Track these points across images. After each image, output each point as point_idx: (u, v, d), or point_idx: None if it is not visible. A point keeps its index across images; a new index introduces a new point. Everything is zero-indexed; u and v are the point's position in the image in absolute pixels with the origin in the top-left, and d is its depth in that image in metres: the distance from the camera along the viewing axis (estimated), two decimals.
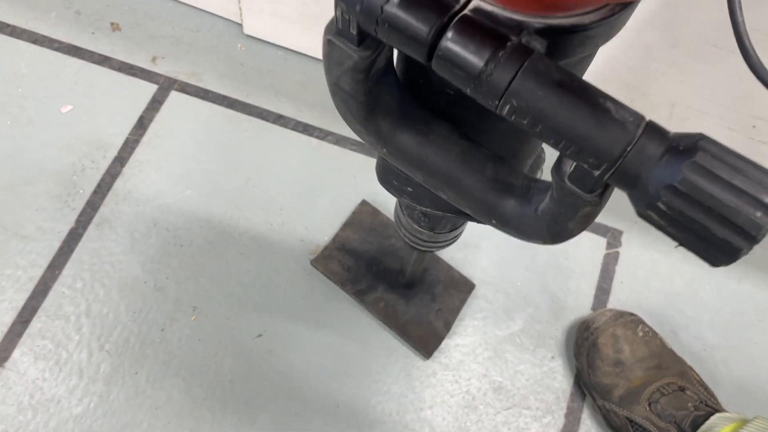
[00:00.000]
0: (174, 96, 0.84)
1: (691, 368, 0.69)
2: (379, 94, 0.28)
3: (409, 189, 0.37)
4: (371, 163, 0.80)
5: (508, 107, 0.21)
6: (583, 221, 0.26)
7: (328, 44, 0.26)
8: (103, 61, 0.85)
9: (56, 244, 0.74)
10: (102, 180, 0.78)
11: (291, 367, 0.71)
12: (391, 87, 0.28)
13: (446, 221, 0.45)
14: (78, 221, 0.76)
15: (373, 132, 0.29)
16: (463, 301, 0.75)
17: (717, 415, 0.62)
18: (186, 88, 0.84)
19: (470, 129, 0.30)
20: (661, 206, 0.20)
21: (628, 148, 0.20)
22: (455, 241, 0.51)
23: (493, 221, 0.30)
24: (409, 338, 0.72)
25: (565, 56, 0.24)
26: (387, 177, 0.38)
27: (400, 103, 0.29)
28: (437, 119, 0.29)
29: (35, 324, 0.71)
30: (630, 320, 0.70)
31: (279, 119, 0.84)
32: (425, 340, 0.72)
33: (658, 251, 0.80)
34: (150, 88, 0.84)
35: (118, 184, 0.78)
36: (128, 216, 0.77)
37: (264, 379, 0.71)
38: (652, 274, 0.79)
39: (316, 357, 0.72)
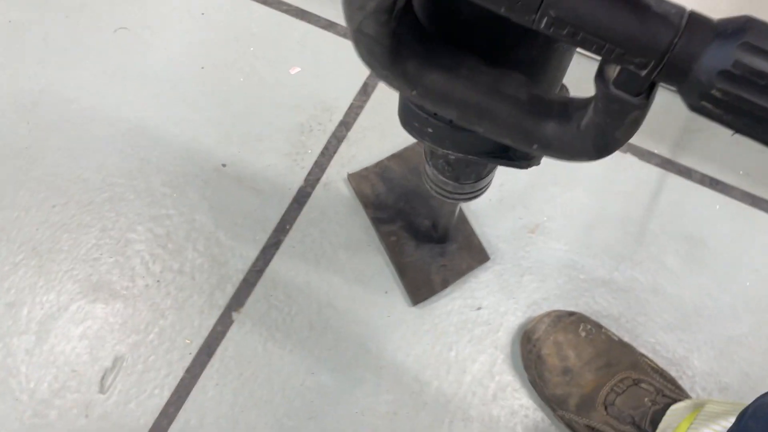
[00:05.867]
0: None
1: (642, 355, 0.66)
2: (402, 35, 0.27)
3: (430, 130, 0.36)
4: None
5: (545, 20, 0.21)
6: (631, 128, 0.25)
7: None
8: (329, 26, 0.86)
9: (287, 201, 0.77)
10: (329, 142, 0.80)
11: (511, 332, 0.71)
12: (413, 25, 0.28)
13: (470, 170, 0.44)
14: (306, 180, 0.78)
15: (400, 75, 0.29)
16: (470, 267, 0.73)
17: (672, 408, 0.58)
18: None
19: (496, 57, 0.29)
20: (716, 94, 0.20)
21: (675, 40, 0.20)
22: (482, 193, 0.49)
23: (534, 146, 0.29)
24: (403, 279, 0.72)
25: None
26: (407, 119, 0.38)
27: (423, 41, 0.28)
28: (463, 52, 0.29)
29: (268, 274, 0.73)
30: (569, 322, 0.66)
31: None
32: (417, 288, 0.71)
33: None
34: None
35: (343, 148, 0.80)
36: None
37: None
38: None
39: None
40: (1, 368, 0.68)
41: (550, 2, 0.20)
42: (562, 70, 0.32)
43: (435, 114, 0.35)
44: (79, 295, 0.71)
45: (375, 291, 0.73)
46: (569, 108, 0.27)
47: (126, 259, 0.73)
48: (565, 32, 0.21)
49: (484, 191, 0.49)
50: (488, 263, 0.74)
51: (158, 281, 0.72)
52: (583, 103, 0.27)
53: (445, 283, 0.72)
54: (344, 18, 0.26)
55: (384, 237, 0.74)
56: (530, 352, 0.66)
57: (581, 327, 0.65)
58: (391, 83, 0.29)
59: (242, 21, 0.86)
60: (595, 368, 0.63)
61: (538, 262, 0.75)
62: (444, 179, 0.46)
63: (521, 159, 0.37)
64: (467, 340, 0.71)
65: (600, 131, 0.26)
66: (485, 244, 0.75)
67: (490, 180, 0.48)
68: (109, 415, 0.67)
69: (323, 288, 0.73)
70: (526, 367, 0.68)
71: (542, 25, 0.21)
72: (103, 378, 0.68)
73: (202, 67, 0.83)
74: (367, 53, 0.28)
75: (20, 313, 0.70)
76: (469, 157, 0.38)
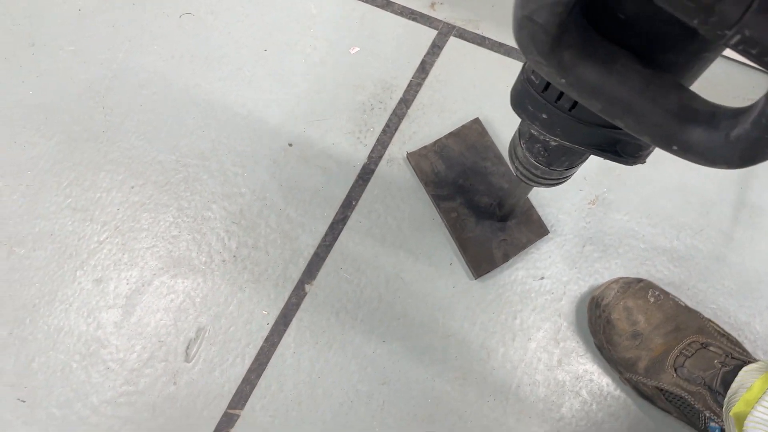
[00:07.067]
0: (453, 42, 0.86)
1: (709, 320, 0.67)
2: (567, 26, 0.27)
3: (544, 116, 0.37)
4: None
5: (737, 38, 0.21)
6: None
7: None
8: (386, 5, 0.88)
9: (352, 178, 0.80)
10: (389, 120, 0.82)
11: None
12: (578, 17, 0.28)
13: (565, 158, 0.44)
14: (370, 157, 0.80)
15: (554, 64, 0.29)
16: (530, 242, 0.75)
17: (744, 369, 0.59)
18: (464, 35, 0.86)
19: (648, 57, 0.29)
20: None
21: None
22: (566, 180, 0.50)
23: (674, 147, 0.29)
24: (465, 254, 0.75)
25: None
26: (522, 102, 0.38)
27: (583, 33, 0.28)
28: (619, 49, 0.29)
29: (337, 248, 0.77)
30: (639, 288, 0.68)
31: None
32: (479, 262, 0.74)
33: None
34: (430, 33, 0.86)
35: (404, 125, 0.82)
36: None
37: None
38: None
39: None
40: (93, 340, 0.73)
41: (746, 22, 0.21)
42: (699, 75, 0.34)
43: (556, 100, 0.35)
44: (161, 270, 0.76)
45: (439, 263, 0.76)
46: (716, 116, 0.28)
47: (203, 236, 0.77)
48: (755, 52, 0.22)
49: (569, 179, 0.50)
50: (550, 234, 0.76)
51: (234, 256, 0.76)
52: (731, 113, 0.27)
53: (506, 257, 0.75)
54: (516, 4, 0.27)
55: (445, 213, 0.76)
56: (599, 317, 0.68)
57: (650, 293, 0.67)
58: (540, 69, 0.30)
59: (302, 2, 0.88)
60: (664, 332, 0.65)
61: (599, 233, 0.77)
62: (535, 163, 0.47)
63: (628, 156, 0.38)
64: (531, 308, 0.74)
65: (753, 144, 0.26)
66: (546, 216, 0.77)
67: (578, 170, 0.49)
68: (195, 383, 0.71)
69: (390, 261, 0.76)
70: (594, 332, 0.70)
71: (732, 41, 0.22)
72: (188, 348, 0.73)
73: (265, 50, 0.86)
74: (528, 39, 0.28)
75: (107, 289, 0.75)
76: (574, 146, 0.39)
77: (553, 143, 0.42)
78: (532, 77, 0.36)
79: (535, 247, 0.76)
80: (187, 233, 0.77)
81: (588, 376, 0.71)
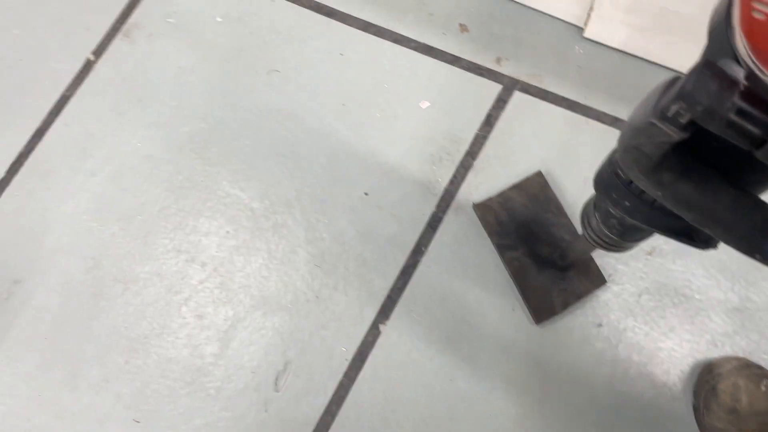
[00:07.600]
0: (517, 96, 0.92)
1: None
2: (668, 153, 0.32)
3: (626, 203, 0.41)
4: None
5: None
6: None
7: (649, 126, 0.30)
8: (454, 60, 0.94)
9: (421, 226, 0.87)
10: (457, 171, 0.89)
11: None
12: (678, 147, 0.32)
13: (638, 234, 0.47)
14: (438, 206, 0.88)
15: (653, 181, 0.33)
16: (589, 291, 0.80)
17: None
18: (528, 89, 0.92)
19: (733, 176, 0.33)
20: None
21: None
22: (634, 248, 0.53)
23: (757, 256, 0.34)
24: (527, 300, 0.81)
25: None
26: (607, 188, 0.42)
27: (681, 157, 0.33)
28: (711, 171, 0.33)
29: (408, 291, 0.85)
30: (755, 373, 0.70)
31: (616, 122, 0.89)
32: (540, 309, 0.80)
33: None
34: (495, 88, 0.92)
35: (470, 176, 0.89)
36: None
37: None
38: None
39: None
40: (197, 370, 0.84)
41: None
42: None
43: (641, 193, 0.40)
44: (253, 308, 0.86)
45: (503, 308, 0.83)
46: None
47: (289, 278, 0.86)
48: None
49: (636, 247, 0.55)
50: (607, 284, 0.82)
51: (317, 297, 0.85)
52: None
53: (566, 305, 0.81)
54: (625, 133, 0.31)
55: (508, 262, 0.83)
56: (707, 381, 0.73)
57: (764, 382, 0.70)
58: (640, 183, 0.35)
59: (376, 59, 0.96)
60: (761, 421, 0.68)
61: (655, 283, 0.82)
62: (608, 233, 0.51)
63: (701, 242, 0.42)
64: (588, 354, 0.80)
65: None
66: (604, 266, 0.82)
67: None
68: (284, 411, 0.81)
69: (457, 304, 0.83)
70: (696, 393, 0.75)
71: None
72: (276, 379, 0.83)
73: (343, 104, 0.94)
74: (632, 162, 0.33)
75: (208, 323, 0.86)
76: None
77: (628, 222, 0.46)
78: (620, 171, 0.40)
79: (594, 295, 0.82)
80: (275, 275, 0.87)
81: (643, 421, 0.77)
